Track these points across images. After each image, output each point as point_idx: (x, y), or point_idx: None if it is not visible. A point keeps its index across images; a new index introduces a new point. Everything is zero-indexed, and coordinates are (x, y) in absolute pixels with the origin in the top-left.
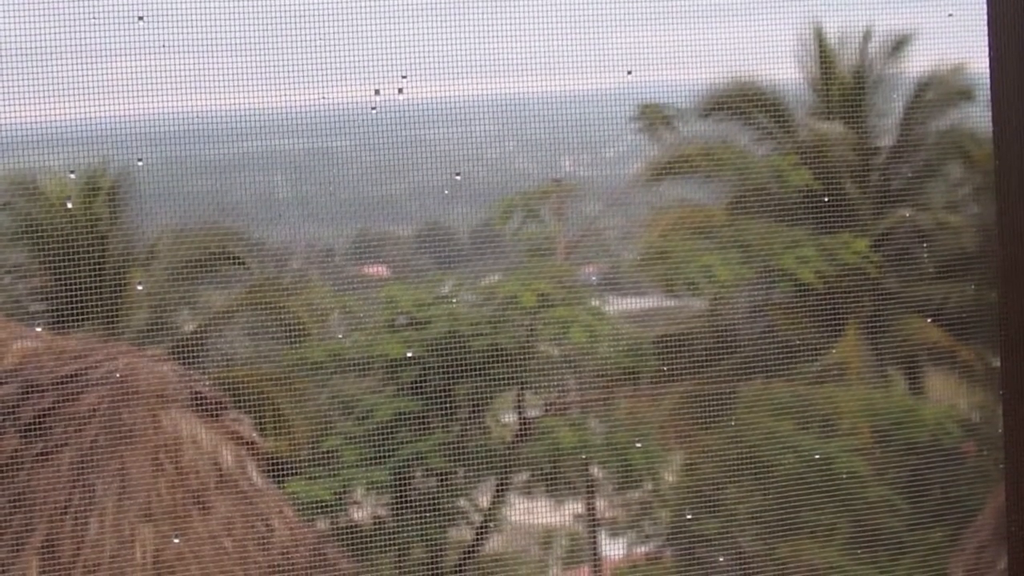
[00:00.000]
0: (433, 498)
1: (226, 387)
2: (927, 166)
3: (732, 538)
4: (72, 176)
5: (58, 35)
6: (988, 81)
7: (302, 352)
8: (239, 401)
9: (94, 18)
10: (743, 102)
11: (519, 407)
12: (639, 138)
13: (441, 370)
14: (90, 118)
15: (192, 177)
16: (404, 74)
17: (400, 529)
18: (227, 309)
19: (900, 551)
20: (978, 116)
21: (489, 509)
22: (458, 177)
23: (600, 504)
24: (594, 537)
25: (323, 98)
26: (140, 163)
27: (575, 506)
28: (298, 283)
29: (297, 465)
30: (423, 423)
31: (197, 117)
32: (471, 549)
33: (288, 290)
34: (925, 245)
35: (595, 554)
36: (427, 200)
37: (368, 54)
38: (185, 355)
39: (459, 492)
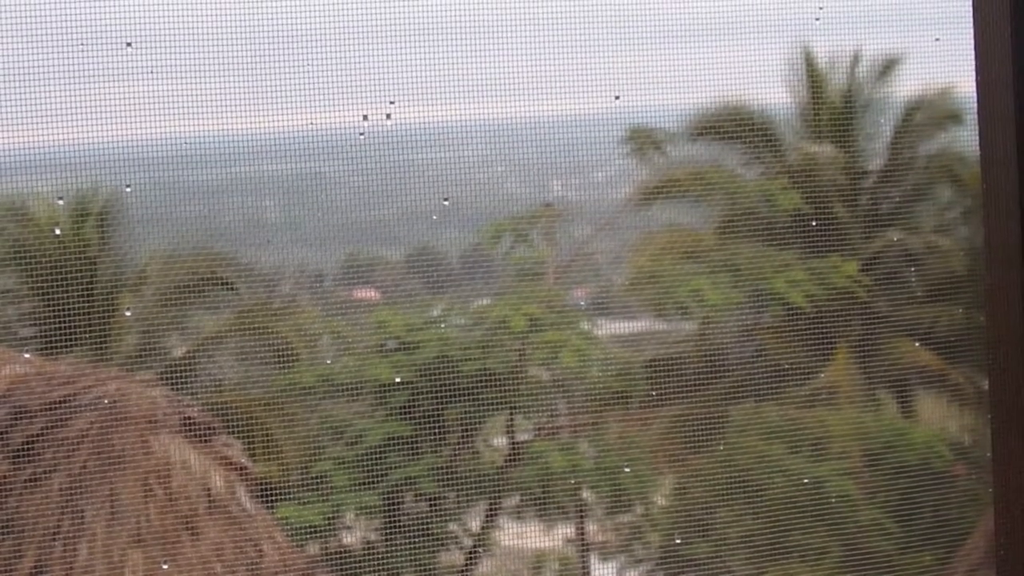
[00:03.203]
0: (424, 522)
1: (216, 411)
2: (916, 189)
3: (723, 561)
4: (60, 202)
5: (46, 61)
6: (975, 104)
7: (292, 376)
8: (229, 425)
9: (82, 44)
10: (732, 125)
11: (509, 431)
12: (628, 161)
13: (431, 394)
14: (79, 143)
15: (181, 201)
16: (392, 99)
17: (391, 553)
18: (217, 333)
19: (891, 574)
20: (966, 139)
21: (480, 533)
22: (446, 203)
23: (591, 528)
24: (585, 561)
25: (312, 123)
26: (128, 189)
27: (566, 530)
28: (288, 307)
29: (287, 489)
30: (413, 447)
31: (186, 142)
32: (462, 573)
33: (278, 314)
34: (914, 268)
35: None
36: (417, 224)
37: (356, 79)
38: (175, 379)
39: (450, 516)
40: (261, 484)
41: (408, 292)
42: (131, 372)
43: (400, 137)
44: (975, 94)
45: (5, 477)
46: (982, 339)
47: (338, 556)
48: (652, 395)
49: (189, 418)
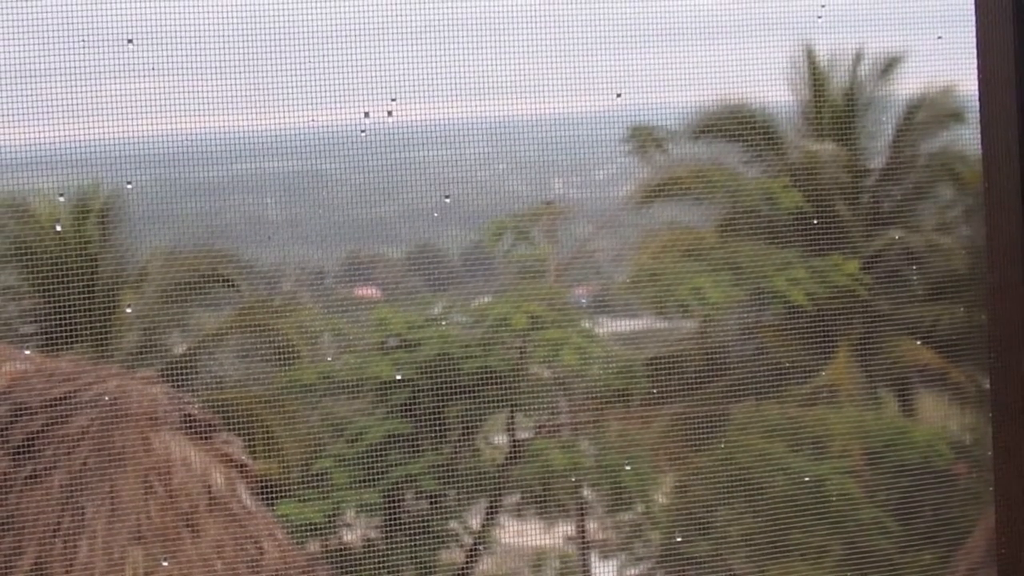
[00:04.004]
0: (424, 520)
1: (217, 409)
2: (917, 187)
3: (723, 560)
4: (61, 199)
5: (47, 58)
6: (977, 103)
7: (293, 374)
8: (230, 423)
9: (83, 40)
10: (734, 124)
11: (510, 429)
12: (630, 160)
13: (432, 392)
14: (80, 140)
15: (182, 199)
16: (393, 96)
17: (391, 551)
18: (218, 331)
19: (891, 573)
20: (968, 137)
21: (480, 531)
22: (447, 200)
23: (591, 526)
24: (585, 559)
25: (313, 120)
26: (129, 186)
27: (566, 528)
28: (289, 305)
29: (288, 487)
30: (414, 445)
31: (187, 139)
32: (462, 571)
33: (279, 312)
34: (915, 267)
35: None
36: (418, 222)
37: (357, 77)
38: (176, 377)
39: (450, 514)
40: (261, 482)
41: (409, 290)
42: (132, 369)
43: (401, 135)
44: (977, 93)
45: (6, 474)
46: (983, 338)
47: (338, 554)
48: (653, 393)
49: (190, 415)
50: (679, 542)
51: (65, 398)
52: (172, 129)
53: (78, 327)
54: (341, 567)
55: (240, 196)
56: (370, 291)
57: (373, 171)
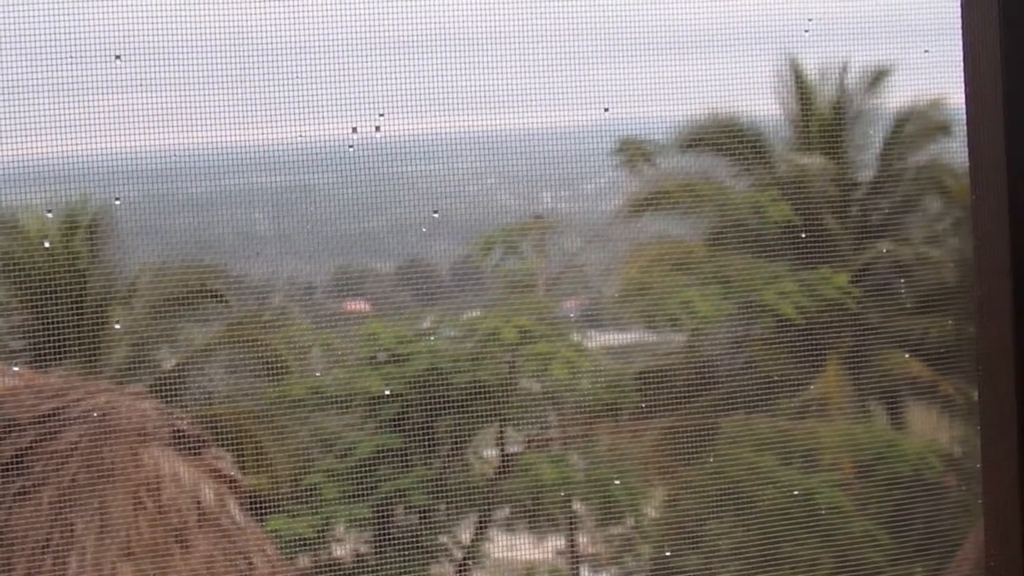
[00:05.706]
0: (415, 534)
1: (207, 424)
2: (906, 200)
3: (713, 573)
4: (50, 215)
5: (35, 73)
6: (964, 115)
7: (283, 388)
8: (220, 438)
9: (70, 56)
10: (722, 137)
11: (500, 442)
12: (619, 173)
13: (422, 406)
14: (68, 155)
15: (172, 213)
16: (381, 111)
17: (381, 565)
18: (207, 345)
19: None
20: (956, 150)
21: (471, 545)
22: (436, 215)
23: (581, 539)
24: (576, 572)
25: (301, 135)
26: (117, 201)
27: (557, 541)
28: (278, 319)
29: (278, 501)
30: (404, 459)
31: (176, 154)
32: None
33: (268, 326)
34: (904, 279)
35: None
36: (407, 236)
37: (345, 92)
38: (165, 392)
39: (440, 528)
40: (251, 496)
41: (398, 304)
42: (121, 384)
43: (389, 149)
44: (964, 105)
45: None
46: (972, 350)
47: (329, 568)
48: (642, 407)
49: (179, 430)
50: (669, 556)
51: (54, 413)
52: (160, 144)
53: (67, 342)
54: None
55: (229, 211)
56: (360, 305)
57: (362, 185)
